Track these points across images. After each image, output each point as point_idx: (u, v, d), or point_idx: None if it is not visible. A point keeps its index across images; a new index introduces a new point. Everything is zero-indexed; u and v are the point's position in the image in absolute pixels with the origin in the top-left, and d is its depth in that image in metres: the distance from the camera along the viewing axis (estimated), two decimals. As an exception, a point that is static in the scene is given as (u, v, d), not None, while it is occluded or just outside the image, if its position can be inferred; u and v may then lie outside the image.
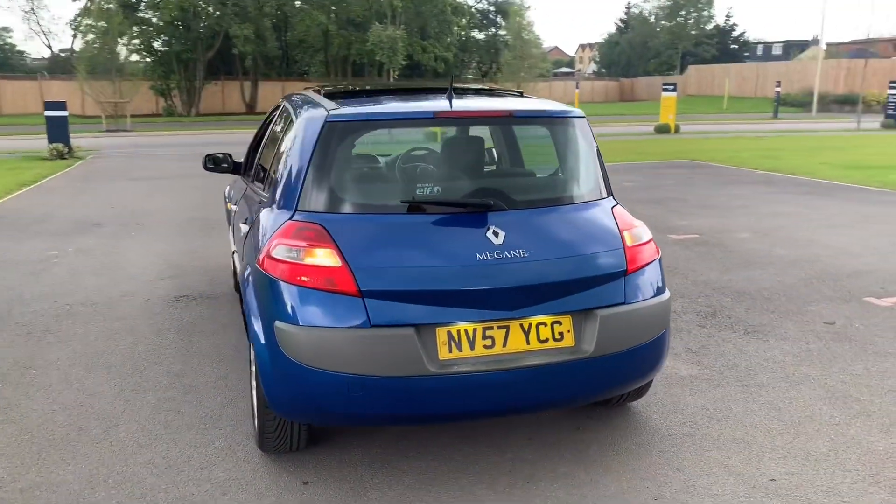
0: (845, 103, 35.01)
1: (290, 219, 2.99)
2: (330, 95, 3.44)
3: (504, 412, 3.04)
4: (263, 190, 3.64)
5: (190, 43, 35.57)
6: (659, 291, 3.11)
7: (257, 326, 2.91)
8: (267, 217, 3.21)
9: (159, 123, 31.68)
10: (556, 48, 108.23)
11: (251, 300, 3.00)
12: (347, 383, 2.71)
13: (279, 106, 4.25)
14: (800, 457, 3.16)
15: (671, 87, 23.61)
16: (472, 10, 40.62)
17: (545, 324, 2.82)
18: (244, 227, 3.87)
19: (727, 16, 64.06)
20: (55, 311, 5.29)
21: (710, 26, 62.45)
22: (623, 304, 2.96)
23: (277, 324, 2.79)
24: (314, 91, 3.74)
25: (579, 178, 3.23)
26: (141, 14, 35.78)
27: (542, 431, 3.40)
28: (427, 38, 36.41)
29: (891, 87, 25.13)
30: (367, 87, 3.67)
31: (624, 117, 33.00)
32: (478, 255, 2.81)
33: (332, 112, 3.03)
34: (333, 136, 3.00)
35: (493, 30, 49.61)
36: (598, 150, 3.34)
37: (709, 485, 2.95)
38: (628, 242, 3.09)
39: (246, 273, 3.20)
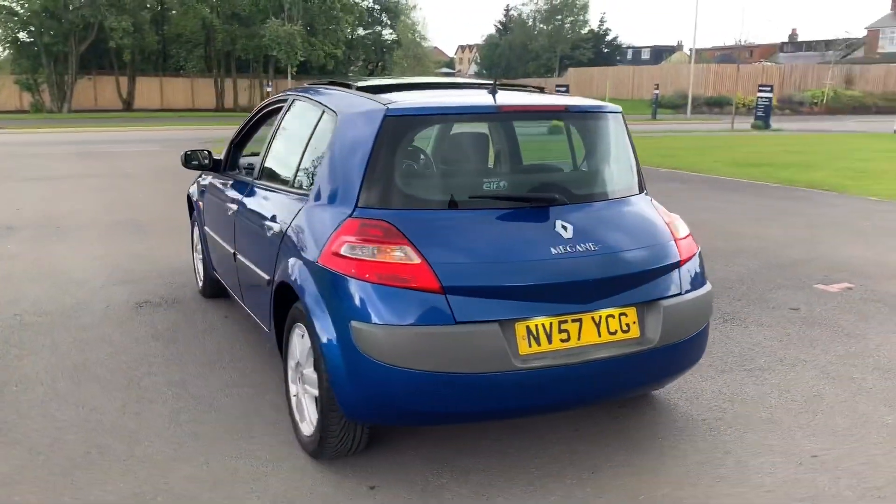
0: (715, 105, 37.36)
1: (350, 216, 2.89)
2: (367, 89, 3.35)
3: (578, 404, 3.08)
4: (290, 187, 3.50)
5: (60, 35, 33.34)
6: (704, 282, 3.24)
7: (324, 326, 2.79)
8: (313, 214, 3.10)
9: (28, 120, 29.60)
10: (436, 48, 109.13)
11: (311, 300, 2.87)
12: (433, 381, 2.66)
13: (283, 101, 4.09)
14: (827, 433, 3.37)
15: (564, 89, 24.41)
16: (359, 7, 40.29)
17: (613, 316, 2.88)
18: (251, 225, 3.71)
19: (601, 21, 66.87)
20: (5, 322, 4.86)
21: (585, 30, 64.94)
22: (680, 294, 3.06)
23: (354, 323, 2.70)
24: (337, 85, 3.64)
25: (624, 173, 3.31)
26: (3, 3, 33.20)
27: (583, 423, 3.45)
28: (315, 34, 35.82)
29: (760, 91, 27.05)
30: (396, 82, 3.59)
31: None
32: (552, 250, 2.83)
33: (390, 106, 2.96)
34: (394, 130, 2.93)
35: (379, 28, 49.53)
36: (633, 145, 3.44)
37: (760, 464, 3.10)
38: (676, 234, 3.21)
39: (293, 271, 3.06)
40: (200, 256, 5.32)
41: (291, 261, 3.12)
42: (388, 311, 2.68)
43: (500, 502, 2.82)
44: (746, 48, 61.80)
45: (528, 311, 2.75)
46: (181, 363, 4.20)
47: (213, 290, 5.28)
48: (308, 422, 3.10)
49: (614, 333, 2.87)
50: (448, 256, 2.73)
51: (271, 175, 3.88)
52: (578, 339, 2.81)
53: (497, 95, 3.23)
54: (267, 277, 3.47)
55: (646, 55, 76.35)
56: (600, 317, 2.85)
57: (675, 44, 78.40)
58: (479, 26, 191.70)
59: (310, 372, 3.05)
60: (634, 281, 2.94)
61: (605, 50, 63.46)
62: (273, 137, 3.96)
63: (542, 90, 3.79)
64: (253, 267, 3.71)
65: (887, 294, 5.58)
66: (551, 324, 2.77)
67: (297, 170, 3.51)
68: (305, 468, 3.07)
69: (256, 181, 3.98)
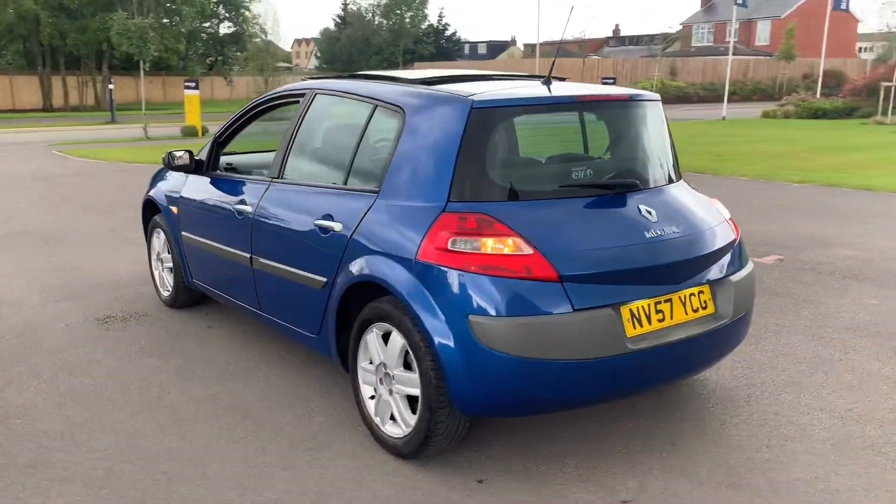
0: (558, 97, 39.11)
1: (444, 210, 2.87)
2: (424, 82, 3.31)
3: (670, 381, 3.21)
4: (342, 185, 3.38)
5: None
6: (748, 258, 3.49)
7: (436, 323, 2.75)
8: (392, 212, 3.03)
9: None
10: (271, 42, 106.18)
11: (414, 297, 2.81)
12: (554, 369, 2.71)
13: (293, 96, 3.93)
14: (847, 388, 3.74)
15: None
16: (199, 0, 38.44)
17: (694, 294, 3.05)
18: (284, 227, 3.56)
19: (440, 16, 67.74)
20: (-43, 351, 4.33)
21: (424, 25, 65.72)
22: (740, 270, 3.29)
23: (473, 317, 2.69)
24: (371, 79, 3.56)
25: (671, 159, 3.48)
26: None
27: (632, 398, 3.61)
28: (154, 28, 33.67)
29: (604, 83, 28.69)
30: (443, 74, 3.52)
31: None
32: (646, 234, 2.95)
33: (475, 98, 2.95)
34: (481, 122, 2.93)
35: (216, 21, 47.58)
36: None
37: (811, 422, 3.39)
38: (724, 215, 3.44)
39: (378, 269, 2.97)
40: (169, 265, 4.98)
41: (373, 259, 3.03)
42: (509, 302, 2.69)
43: (610, 482, 2.92)
44: (576, 42, 65.22)
45: (632, 295, 2.86)
46: (196, 378, 3.95)
47: (186, 300, 4.98)
48: (400, 422, 3.04)
49: (696, 311, 3.04)
50: (557, 245, 2.78)
51: (304, 174, 3.71)
52: (671, 318, 2.95)
53: (553, 86, 3.30)
54: (322, 279, 3.34)
55: (482, 50, 78.55)
56: (685, 296, 3.01)
57: (508, 39, 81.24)
58: (315, 20, 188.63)
59: (401, 372, 2.99)
60: (709, 260, 3.13)
61: (446, 45, 64.55)
62: (295, 134, 3.79)
63: (564, 80, 3.88)
64: (293, 270, 3.54)
65: (814, 262, 6.21)
66: (649, 305, 2.90)
67: (350, 167, 3.39)
68: (401, 471, 3.01)
69: (278, 181, 3.80)
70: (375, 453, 3.15)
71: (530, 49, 73.65)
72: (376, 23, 67.70)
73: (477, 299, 2.71)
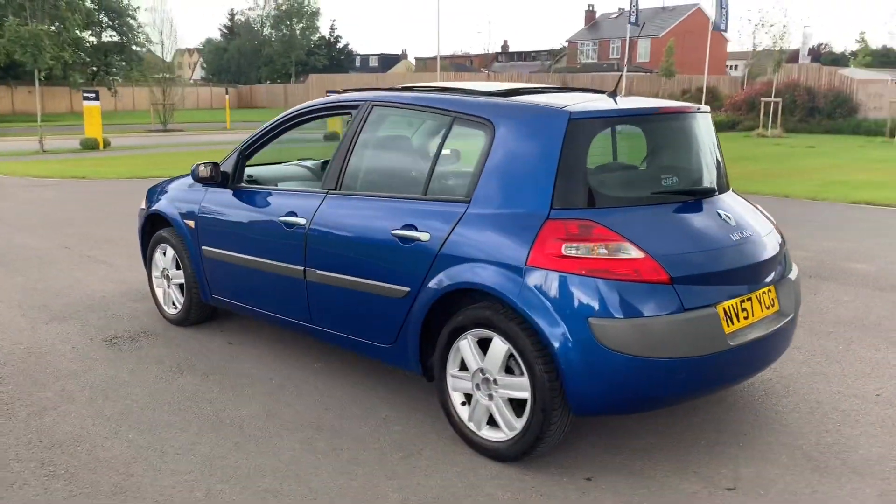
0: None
1: (548, 217, 2.97)
2: (499, 94, 3.40)
3: (753, 374, 3.39)
4: (422, 195, 3.40)
5: None
6: (792, 262, 3.77)
7: (554, 326, 2.83)
8: (491, 220, 3.10)
9: None
10: (149, 51, 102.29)
11: (529, 303, 2.88)
12: (668, 367, 2.85)
13: (344, 108, 3.93)
14: (863, 375, 4.09)
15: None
16: (84, 7, 36.47)
17: (765, 293, 3.28)
18: (354, 239, 3.56)
19: (332, 28, 67.13)
20: (-38, 379, 4.03)
21: (315, 37, 65.19)
22: (792, 271, 3.56)
23: (593, 320, 2.80)
24: (435, 91, 3.62)
25: (723, 167, 3.69)
26: None
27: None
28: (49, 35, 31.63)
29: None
30: (511, 87, 3.59)
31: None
32: (731, 237, 3.16)
33: (572, 110, 3.07)
34: (578, 133, 3.05)
35: (98, 29, 45.41)
36: None
37: (852, 408, 3.69)
38: (773, 221, 3.70)
39: (480, 276, 3.03)
40: (179, 282, 4.81)
41: (472, 267, 3.07)
42: (627, 304, 2.82)
43: (707, 472, 3.09)
44: (467, 58, 66.44)
45: (726, 294, 3.05)
46: (245, 394, 3.85)
47: (197, 317, 4.82)
48: (503, 426, 3.09)
49: (768, 308, 3.28)
50: (663, 248, 2.94)
51: (369, 185, 3.70)
52: (753, 315, 3.17)
53: (621, 100, 3.47)
54: (404, 289, 3.35)
55: (374, 63, 78.65)
56: (760, 295, 3.24)
57: (400, 52, 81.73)
58: (198, 30, 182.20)
59: (504, 377, 3.06)
60: (775, 261, 3.37)
61: (338, 57, 64.21)
62: (352, 146, 3.77)
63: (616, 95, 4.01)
64: (364, 281, 3.53)
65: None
66: (737, 304, 3.10)
67: (429, 178, 3.43)
68: (506, 473, 3.07)
69: (336, 192, 3.77)
70: (471, 458, 3.19)
71: (423, 63, 74.48)
72: (265, 34, 66.59)
73: (596, 302, 2.82)
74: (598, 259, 2.86)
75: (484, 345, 3.14)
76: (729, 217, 3.25)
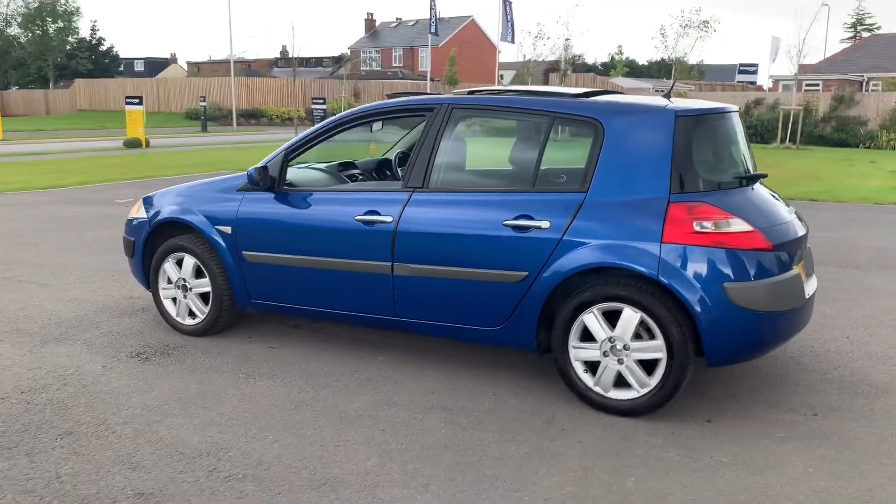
0: (251, 117, 38.75)
1: (670, 201, 3.48)
2: (587, 95, 3.85)
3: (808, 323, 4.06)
4: (530, 187, 3.75)
5: None
6: None
7: (693, 293, 3.35)
8: (614, 207, 3.54)
9: None
10: None
11: (670, 275, 3.37)
12: (778, 318, 3.51)
13: (414, 111, 4.16)
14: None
15: (136, 101, 23.06)
16: None
17: (802, 258, 4.03)
18: (456, 233, 3.82)
19: (93, 29, 61.73)
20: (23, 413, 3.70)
21: (74, 38, 59.79)
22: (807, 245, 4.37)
23: (727, 284, 3.36)
24: (527, 94, 3.98)
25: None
26: None
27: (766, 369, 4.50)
28: None
29: (314, 103, 29.38)
30: (576, 91, 3.98)
31: (44, 132, 30.08)
32: (788, 213, 3.87)
33: (677, 108, 3.61)
34: (684, 127, 3.59)
35: None
36: None
37: None
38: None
39: (619, 253, 3.46)
40: (200, 291, 4.66)
41: (604, 247, 3.49)
42: (751, 269, 3.42)
43: (794, 405, 3.78)
44: (244, 63, 64.62)
45: (797, 259, 3.76)
46: (344, 390, 3.93)
47: (224, 325, 4.72)
48: (635, 385, 3.54)
49: (803, 271, 4.04)
50: (759, 223, 3.56)
51: (463, 182, 3.96)
52: (804, 277, 3.90)
53: (684, 101, 4.05)
54: (521, 273, 3.68)
55: (140, 67, 73.85)
56: (801, 262, 3.99)
57: (168, 56, 77.44)
58: None
59: (634, 342, 3.51)
60: (807, 234, 4.12)
61: (105, 61, 59.35)
62: (436, 147, 4.00)
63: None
64: (472, 270, 3.79)
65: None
66: (800, 267, 3.81)
67: (536, 172, 3.78)
68: (642, 423, 3.53)
69: (423, 190, 3.97)
70: (602, 416, 3.61)
71: (195, 67, 71.22)
72: (12, 34, 59.94)
73: (727, 269, 3.39)
74: (721, 233, 3.42)
75: (608, 316, 3.57)
76: (777, 197, 3.97)
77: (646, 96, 4.15)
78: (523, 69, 49.73)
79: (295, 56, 42.93)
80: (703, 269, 3.39)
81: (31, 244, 7.63)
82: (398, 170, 5.32)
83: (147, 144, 22.77)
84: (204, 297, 4.69)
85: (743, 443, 3.37)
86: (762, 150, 22.02)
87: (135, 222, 4.94)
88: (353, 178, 5.01)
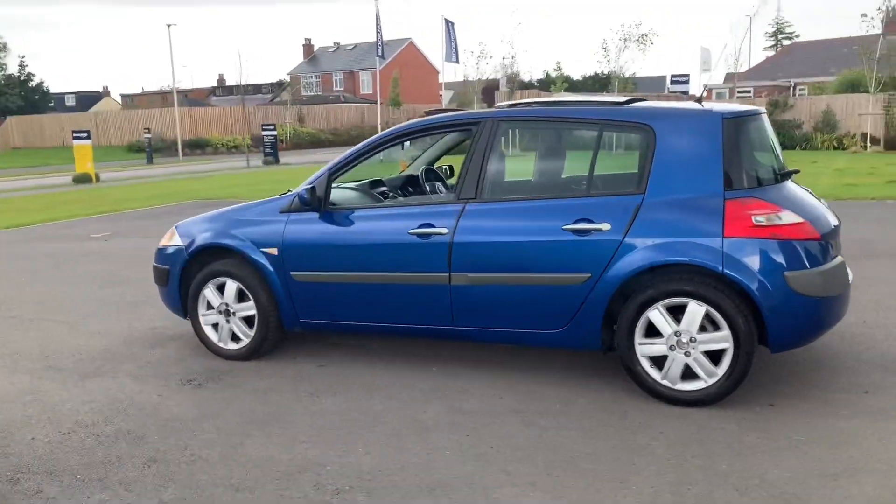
0: (196, 147, 38.15)
1: (726, 198, 3.67)
2: (631, 102, 4.03)
3: None
4: (586, 192, 3.91)
5: None
6: None
7: (757, 283, 3.54)
8: (673, 205, 3.72)
9: None
10: None
11: (736, 268, 3.55)
12: (831, 303, 3.72)
13: (459, 126, 4.30)
14: None
15: (84, 135, 22.54)
16: None
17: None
18: (514, 240, 3.94)
19: (21, 64, 59.98)
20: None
21: (1, 74, 58.02)
22: None
23: (787, 273, 3.56)
24: (571, 104, 4.14)
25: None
26: None
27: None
28: None
29: (264, 130, 29.18)
30: (616, 99, 4.13)
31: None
32: (823, 206, 4.10)
33: (723, 111, 3.82)
34: (730, 129, 3.78)
35: None
36: None
37: None
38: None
39: (684, 250, 3.63)
40: (245, 315, 4.65)
41: (667, 244, 3.66)
42: (808, 258, 3.63)
43: (847, 384, 3.99)
44: (181, 92, 63.67)
45: (838, 248, 3.99)
46: (413, 401, 3.99)
47: (271, 347, 4.72)
48: (703, 376, 3.70)
49: (839, 260, 4.28)
50: (806, 215, 3.76)
51: (516, 191, 4.09)
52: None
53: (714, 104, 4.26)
54: (584, 276, 3.82)
55: (71, 101, 72.04)
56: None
57: (101, 89, 75.76)
58: None
59: (700, 334, 3.68)
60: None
61: (35, 96, 57.70)
62: (486, 159, 4.11)
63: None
64: (533, 275, 3.91)
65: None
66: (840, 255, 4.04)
67: (590, 178, 3.94)
68: (713, 411, 3.69)
69: (476, 201, 4.08)
70: (670, 408, 3.75)
71: (130, 99, 69.78)
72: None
73: (787, 259, 3.59)
74: (776, 226, 3.62)
75: (677, 312, 3.72)
76: (810, 192, 4.20)
77: (682, 101, 4.35)
78: (463, 88, 50.39)
79: (241, 84, 42.10)
80: (764, 260, 3.58)
81: (24, 282, 7.43)
82: (426, 185, 5.42)
83: (97, 179, 22.24)
84: (247, 320, 4.69)
85: (812, 422, 3.56)
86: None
87: (169, 251, 4.90)
88: (384, 196, 5.08)
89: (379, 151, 4.50)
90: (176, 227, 4.98)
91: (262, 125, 29.92)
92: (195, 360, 4.79)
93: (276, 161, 28.84)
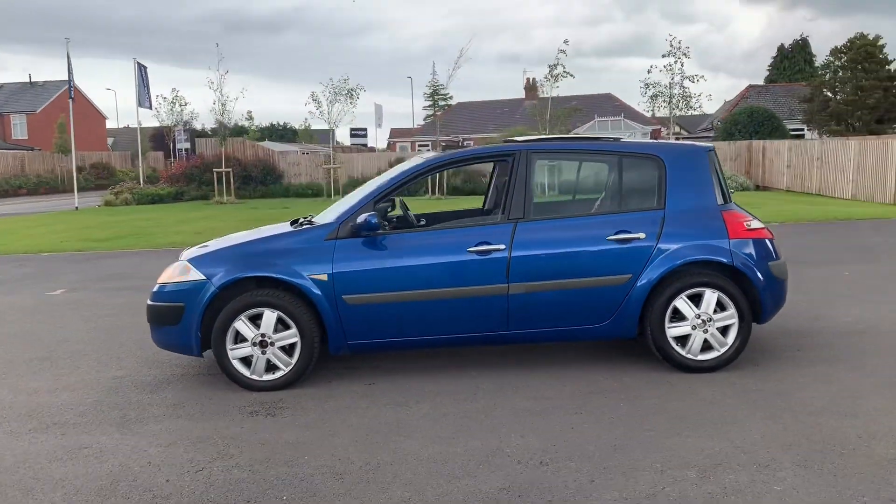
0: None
1: (722, 209, 4.87)
2: (636, 139, 5.03)
3: None
4: (618, 209, 4.81)
5: None
6: None
7: (755, 272, 4.75)
8: (689, 217, 4.79)
9: None
10: None
11: (743, 263, 4.71)
12: (786, 285, 5.08)
13: (505, 155, 4.95)
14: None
15: None
16: None
17: None
18: (563, 251, 4.70)
19: None
20: None
21: None
22: None
23: (770, 263, 4.84)
24: (589, 139, 5.02)
25: None
26: None
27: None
28: None
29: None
30: (618, 138, 4.99)
31: None
32: (751, 216, 5.50)
33: (706, 147, 5.01)
34: (713, 159, 5.01)
35: None
36: None
37: None
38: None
39: (702, 250, 4.70)
40: (284, 344, 4.64)
41: (690, 246, 4.71)
42: (775, 252, 4.95)
43: (860, 365, 5.36)
44: None
45: None
46: (506, 407, 4.44)
47: (310, 372, 4.78)
48: (717, 347, 4.78)
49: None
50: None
51: (559, 210, 4.81)
52: None
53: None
54: (626, 276, 4.69)
55: None
56: None
57: None
58: None
59: (715, 314, 4.76)
60: None
61: None
62: (528, 184, 4.77)
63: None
64: (583, 280, 4.67)
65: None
66: None
67: (621, 198, 4.84)
68: (719, 378, 4.76)
69: (525, 220, 4.72)
70: (701, 377, 4.73)
71: None
72: None
73: (769, 252, 4.87)
74: (756, 230, 4.89)
75: (696, 299, 4.76)
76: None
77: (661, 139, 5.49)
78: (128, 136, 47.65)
79: None
80: (757, 255, 4.83)
81: None
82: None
83: None
84: (287, 349, 4.68)
85: (771, 375, 4.80)
86: (416, 202, 24.25)
87: (184, 286, 4.67)
88: (418, 220, 5.59)
89: (421, 179, 4.91)
90: (189, 261, 4.76)
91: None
92: (242, 393, 4.61)
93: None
